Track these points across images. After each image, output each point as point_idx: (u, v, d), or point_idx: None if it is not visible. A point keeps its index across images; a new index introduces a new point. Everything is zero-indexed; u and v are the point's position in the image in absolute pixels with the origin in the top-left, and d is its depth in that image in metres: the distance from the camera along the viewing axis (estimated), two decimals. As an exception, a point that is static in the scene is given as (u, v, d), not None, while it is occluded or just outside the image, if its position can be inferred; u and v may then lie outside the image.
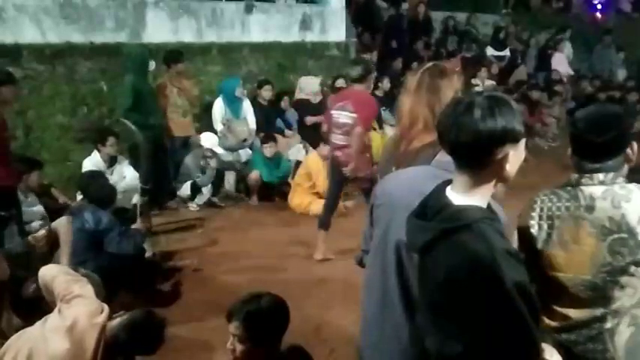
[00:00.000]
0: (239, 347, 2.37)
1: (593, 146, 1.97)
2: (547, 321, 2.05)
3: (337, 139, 5.05)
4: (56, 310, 2.76)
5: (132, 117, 6.03)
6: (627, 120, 2.07)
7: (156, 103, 6.35)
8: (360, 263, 2.22)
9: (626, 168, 2.03)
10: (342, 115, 4.99)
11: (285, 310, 2.47)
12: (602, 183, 1.97)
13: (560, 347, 2.00)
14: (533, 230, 2.04)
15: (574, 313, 2.01)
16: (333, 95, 6.57)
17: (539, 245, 2.03)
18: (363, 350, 2.02)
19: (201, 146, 6.73)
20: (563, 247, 1.99)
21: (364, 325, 2.03)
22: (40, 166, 5.43)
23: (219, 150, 6.94)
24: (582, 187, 1.99)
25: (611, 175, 1.97)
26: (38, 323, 2.74)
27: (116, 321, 2.69)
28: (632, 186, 1.97)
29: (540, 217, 2.04)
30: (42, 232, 3.92)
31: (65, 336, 2.60)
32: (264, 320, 2.36)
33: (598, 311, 1.98)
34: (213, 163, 6.66)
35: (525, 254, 2.05)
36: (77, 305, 2.74)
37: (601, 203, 1.95)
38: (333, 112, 5.12)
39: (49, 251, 3.81)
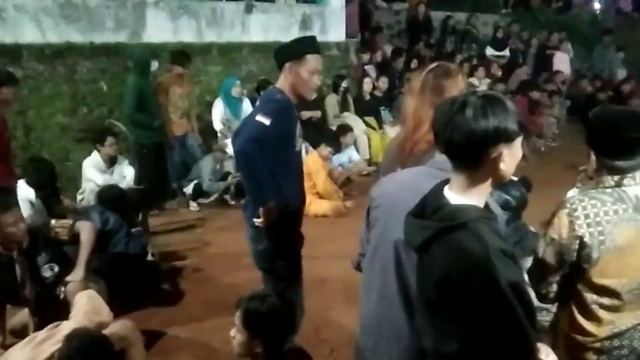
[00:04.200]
0: (238, 337, 2.39)
1: (628, 142, 1.92)
2: (595, 330, 2.00)
3: None
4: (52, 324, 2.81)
5: (137, 117, 6.05)
6: None
7: (157, 103, 6.35)
8: (358, 267, 2.21)
9: None
10: None
11: (287, 315, 2.45)
12: None
13: (610, 354, 1.99)
14: (587, 239, 1.93)
15: (624, 317, 1.97)
16: None
17: (595, 254, 1.93)
18: (362, 351, 2.02)
19: (225, 152, 6.76)
20: (618, 251, 1.92)
21: (363, 325, 2.02)
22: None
23: None
24: (625, 188, 1.94)
25: None
26: (24, 340, 2.77)
27: (58, 346, 2.66)
28: None
29: (589, 225, 1.93)
30: (67, 221, 4.00)
31: (35, 345, 2.65)
32: (261, 321, 2.36)
33: None
34: (228, 166, 6.70)
35: (572, 264, 1.98)
36: (68, 322, 2.78)
37: None
38: None
39: (70, 241, 3.88)
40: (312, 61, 2.96)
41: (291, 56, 2.96)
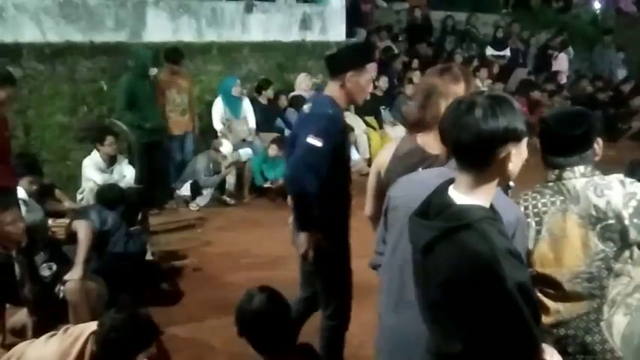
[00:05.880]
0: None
1: (567, 140, 2.02)
2: (543, 318, 2.00)
3: None
4: (64, 327, 2.79)
5: (126, 117, 6.05)
6: (593, 116, 2.13)
7: (154, 103, 6.34)
8: (374, 267, 2.19)
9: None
10: None
11: (280, 309, 2.35)
12: (583, 175, 2.01)
13: (556, 343, 2.00)
14: None
15: (570, 307, 2.01)
16: None
17: (531, 243, 2.03)
18: (380, 355, 2.00)
19: (218, 151, 6.76)
20: (554, 241, 2.01)
21: (381, 329, 2.00)
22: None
23: (230, 158, 6.98)
24: (565, 182, 2.03)
25: (590, 167, 2.03)
26: (43, 337, 2.76)
27: (102, 327, 2.64)
28: (611, 177, 2.01)
29: (527, 216, 2.04)
30: (64, 221, 4.01)
31: (59, 341, 2.63)
32: (248, 319, 2.31)
33: (595, 302, 1.99)
34: (222, 167, 6.71)
35: None
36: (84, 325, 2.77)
37: (585, 193, 1.98)
38: None
39: (67, 241, 3.89)
40: (371, 69, 3.07)
41: (353, 66, 2.94)
